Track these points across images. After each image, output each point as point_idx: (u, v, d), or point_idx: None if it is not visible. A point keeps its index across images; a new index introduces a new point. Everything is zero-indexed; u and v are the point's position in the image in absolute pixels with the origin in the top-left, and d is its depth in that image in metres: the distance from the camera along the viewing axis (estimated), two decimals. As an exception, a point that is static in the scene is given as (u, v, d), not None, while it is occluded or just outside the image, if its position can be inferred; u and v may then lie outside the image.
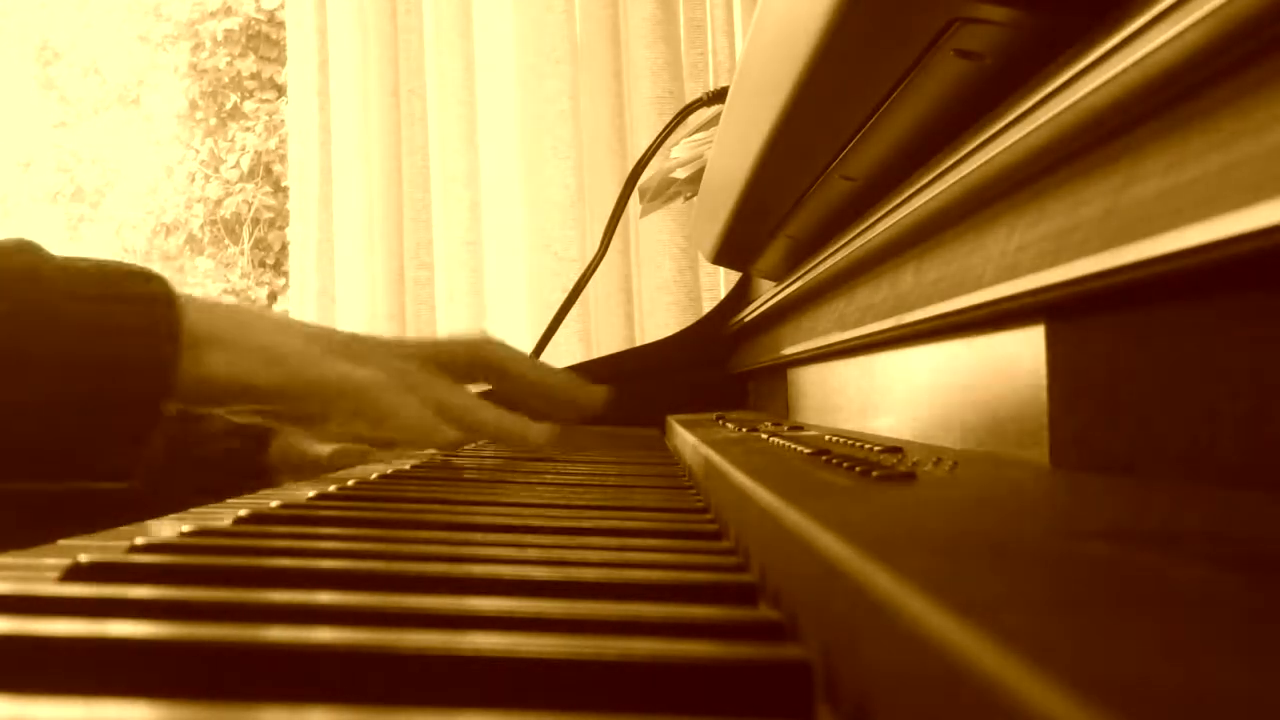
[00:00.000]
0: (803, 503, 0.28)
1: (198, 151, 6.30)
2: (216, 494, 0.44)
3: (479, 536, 0.40)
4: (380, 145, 1.86)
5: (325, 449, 0.67)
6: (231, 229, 6.28)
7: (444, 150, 1.83)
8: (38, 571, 0.30)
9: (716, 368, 1.21)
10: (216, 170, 6.28)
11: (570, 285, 1.29)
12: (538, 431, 0.66)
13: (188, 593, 0.27)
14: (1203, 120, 0.25)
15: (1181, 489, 0.28)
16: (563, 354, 1.56)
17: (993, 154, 0.37)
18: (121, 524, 0.36)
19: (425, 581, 0.29)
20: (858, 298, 0.59)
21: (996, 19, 0.36)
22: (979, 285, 0.37)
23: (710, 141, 1.07)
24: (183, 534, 0.36)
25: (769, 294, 0.89)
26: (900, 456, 0.42)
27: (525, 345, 1.39)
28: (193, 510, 0.44)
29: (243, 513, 0.42)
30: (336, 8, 1.91)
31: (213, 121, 6.30)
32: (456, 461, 0.72)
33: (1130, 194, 0.28)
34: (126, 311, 0.48)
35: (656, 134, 1.26)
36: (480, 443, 0.85)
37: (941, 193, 0.43)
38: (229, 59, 6.24)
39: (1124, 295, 0.30)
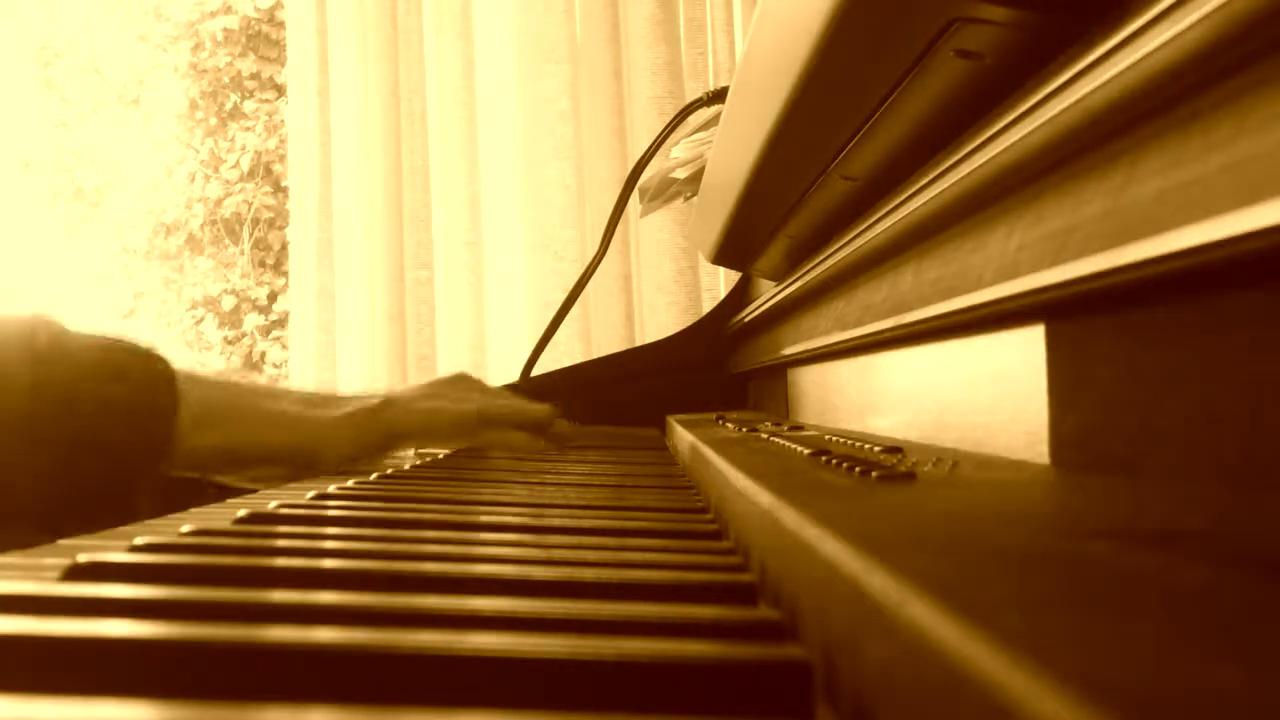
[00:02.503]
0: (803, 503, 0.28)
1: (198, 151, 6.30)
2: None
3: (479, 536, 0.40)
4: (380, 145, 1.85)
5: None
6: (231, 229, 6.27)
7: (444, 150, 1.83)
8: (38, 571, 0.30)
9: (716, 368, 1.21)
10: (216, 170, 6.27)
11: (570, 285, 1.29)
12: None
13: (187, 592, 0.27)
14: (1203, 120, 0.25)
15: (1181, 489, 0.28)
16: (563, 354, 1.56)
17: (993, 154, 0.37)
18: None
19: (425, 581, 0.29)
20: (858, 298, 0.59)
21: (996, 19, 0.36)
22: (979, 285, 0.37)
23: (710, 141, 1.07)
24: (182, 534, 0.36)
25: (769, 294, 0.89)
26: (900, 457, 0.42)
27: (525, 345, 1.40)
28: (193, 510, 0.44)
29: (242, 513, 0.42)
30: (336, 8, 1.91)
31: (213, 121, 6.29)
32: (456, 462, 0.72)
33: (1130, 194, 0.28)
34: (131, 395, 0.53)
35: (656, 134, 1.26)
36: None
37: (941, 193, 0.43)
38: (229, 59, 6.24)
39: (1124, 295, 0.30)
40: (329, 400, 0.67)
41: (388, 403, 0.68)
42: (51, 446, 0.50)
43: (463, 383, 0.79)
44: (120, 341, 0.55)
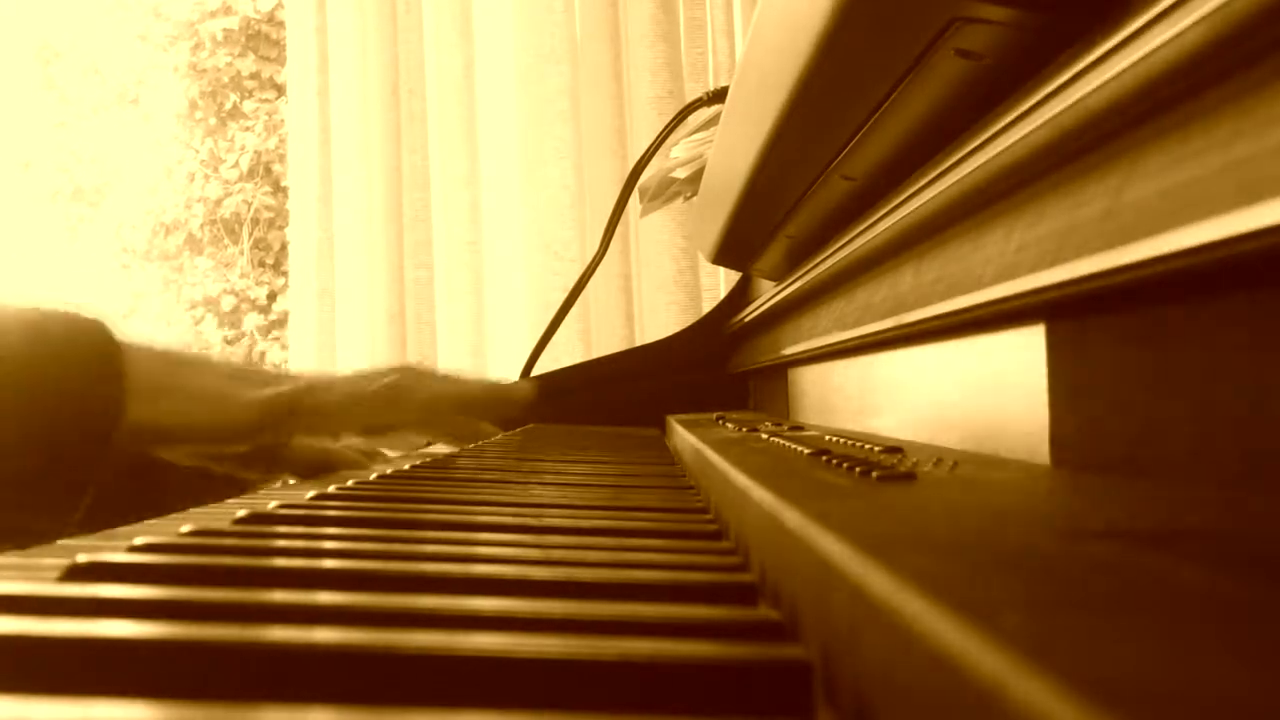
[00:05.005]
0: (803, 503, 0.28)
1: (197, 151, 6.30)
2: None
3: (478, 536, 0.40)
4: (380, 145, 1.85)
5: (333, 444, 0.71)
6: (231, 229, 6.27)
7: (444, 150, 1.83)
8: (37, 571, 0.30)
9: (716, 368, 1.21)
10: (216, 170, 6.27)
11: (570, 285, 1.29)
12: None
13: (187, 593, 0.27)
14: (1203, 120, 0.25)
15: (1181, 489, 0.28)
16: (563, 354, 1.56)
17: (993, 154, 0.37)
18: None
19: (425, 581, 0.29)
20: (857, 298, 0.59)
21: (996, 19, 0.36)
22: (979, 285, 0.37)
23: (710, 141, 1.07)
24: (182, 534, 0.36)
25: (769, 294, 0.89)
26: (900, 457, 0.42)
27: (525, 345, 1.40)
28: (192, 511, 0.44)
29: (242, 513, 0.42)
30: (336, 7, 1.91)
31: (212, 121, 6.29)
32: (455, 462, 0.72)
33: (1130, 194, 0.28)
34: (73, 371, 0.51)
35: (656, 134, 1.26)
36: (479, 444, 0.85)
37: (941, 193, 0.43)
38: (229, 59, 6.24)
39: (1124, 295, 0.30)
40: (253, 378, 0.65)
41: (308, 390, 0.66)
42: None
43: (410, 371, 0.77)
44: (58, 312, 0.53)
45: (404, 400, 0.72)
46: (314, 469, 0.67)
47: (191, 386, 0.59)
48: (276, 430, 0.64)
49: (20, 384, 0.49)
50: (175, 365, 0.60)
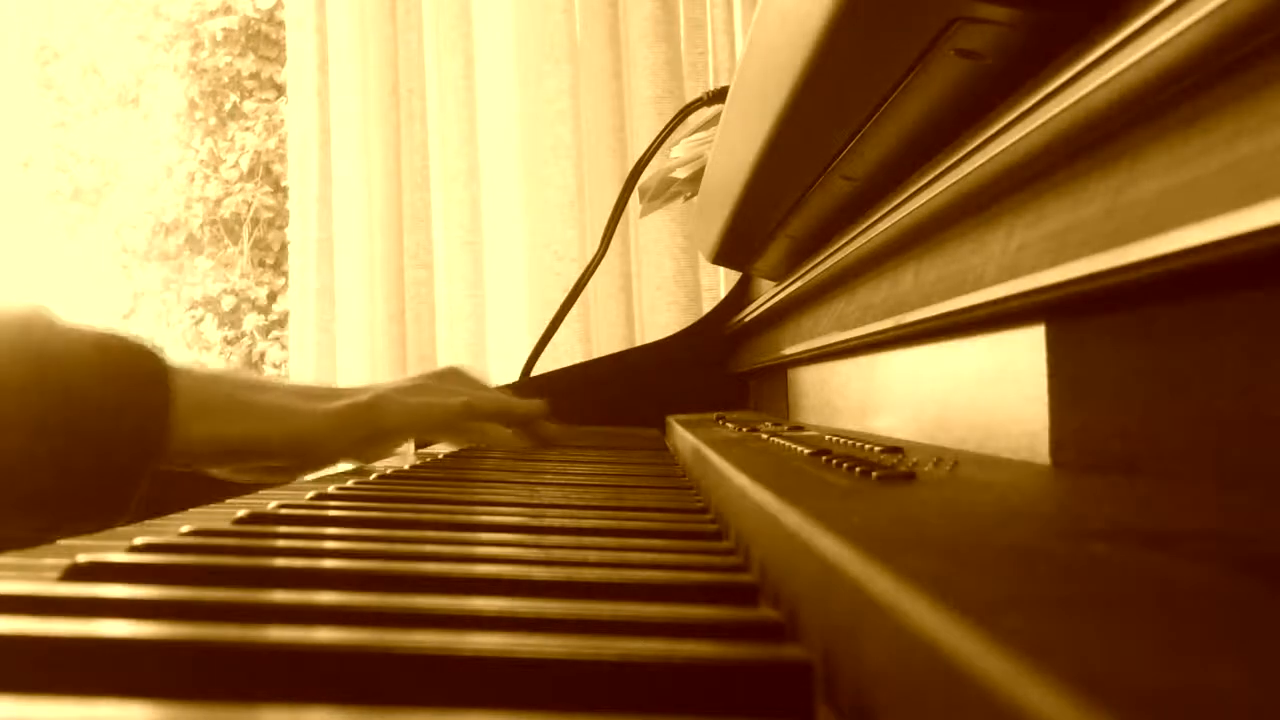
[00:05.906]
0: (803, 503, 0.28)
1: (197, 151, 6.30)
2: None
3: (479, 536, 0.40)
4: (380, 145, 1.85)
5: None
6: (231, 229, 6.27)
7: (444, 150, 1.83)
8: (37, 571, 0.30)
9: (716, 368, 1.21)
10: (216, 170, 6.27)
11: (570, 285, 1.29)
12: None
13: (187, 593, 0.27)
14: (1203, 120, 0.25)
15: (1181, 489, 0.28)
16: (563, 354, 1.56)
17: (993, 154, 0.37)
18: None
19: (425, 581, 0.29)
20: (858, 298, 0.59)
21: (997, 19, 0.36)
22: (979, 285, 0.37)
23: (710, 141, 1.07)
24: (182, 534, 0.36)
25: (769, 294, 0.89)
26: (900, 457, 0.42)
27: (525, 345, 1.40)
28: (192, 510, 0.45)
29: (242, 513, 0.42)
30: (336, 7, 1.91)
31: (212, 121, 6.29)
32: (456, 462, 0.72)
33: (1130, 194, 0.28)
34: (125, 389, 0.54)
35: (656, 134, 1.26)
36: (478, 444, 0.85)
37: (942, 192, 0.43)
38: (229, 59, 6.24)
39: (1124, 295, 0.30)
40: (320, 394, 0.68)
41: (378, 398, 0.68)
42: (49, 438, 0.51)
43: (452, 376, 0.80)
44: (114, 335, 0.55)
45: (475, 411, 0.75)
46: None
47: (258, 403, 0.61)
48: (354, 443, 0.66)
49: (88, 401, 0.52)
50: (233, 386, 0.62)
